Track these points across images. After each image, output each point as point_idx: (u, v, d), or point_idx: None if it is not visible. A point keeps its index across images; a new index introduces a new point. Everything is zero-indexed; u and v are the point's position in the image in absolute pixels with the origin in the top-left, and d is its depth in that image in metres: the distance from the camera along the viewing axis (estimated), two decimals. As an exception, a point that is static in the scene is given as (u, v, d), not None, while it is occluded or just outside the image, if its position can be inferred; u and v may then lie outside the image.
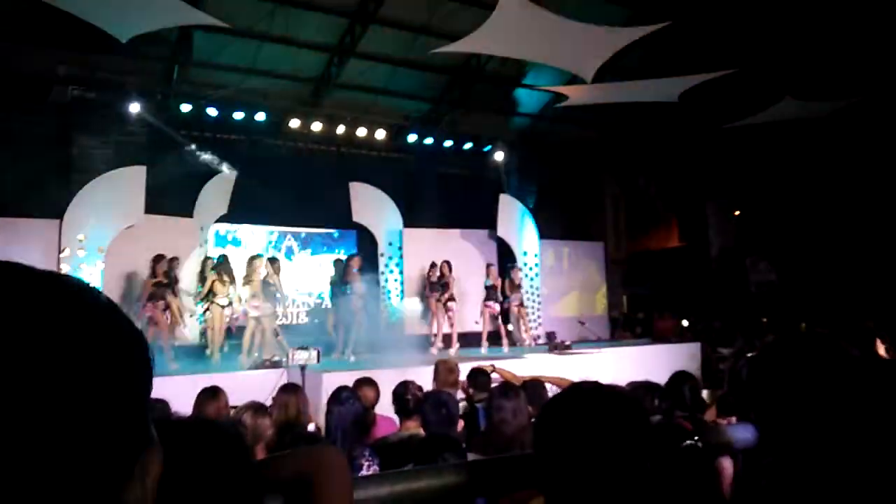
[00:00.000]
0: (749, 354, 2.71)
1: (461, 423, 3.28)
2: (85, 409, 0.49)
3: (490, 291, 11.72)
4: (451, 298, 11.39)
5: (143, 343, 0.57)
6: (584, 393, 1.13)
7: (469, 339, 11.89)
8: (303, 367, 6.62)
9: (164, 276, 9.64)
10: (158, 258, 9.71)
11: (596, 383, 1.14)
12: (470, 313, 12.07)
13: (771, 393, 1.18)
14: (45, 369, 0.48)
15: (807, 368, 1.15)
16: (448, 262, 11.64)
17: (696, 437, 1.39)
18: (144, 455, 0.55)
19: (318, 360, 6.71)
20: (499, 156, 15.15)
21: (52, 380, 0.48)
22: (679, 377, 4.11)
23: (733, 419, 2.29)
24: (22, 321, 0.49)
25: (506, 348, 11.64)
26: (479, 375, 5.18)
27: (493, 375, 5.33)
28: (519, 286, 12.23)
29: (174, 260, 10.04)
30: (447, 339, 11.28)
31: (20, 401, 0.47)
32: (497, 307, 11.75)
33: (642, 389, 3.08)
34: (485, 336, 11.44)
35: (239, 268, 10.38)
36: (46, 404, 0.48)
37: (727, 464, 2.57)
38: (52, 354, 0.49)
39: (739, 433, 1.50)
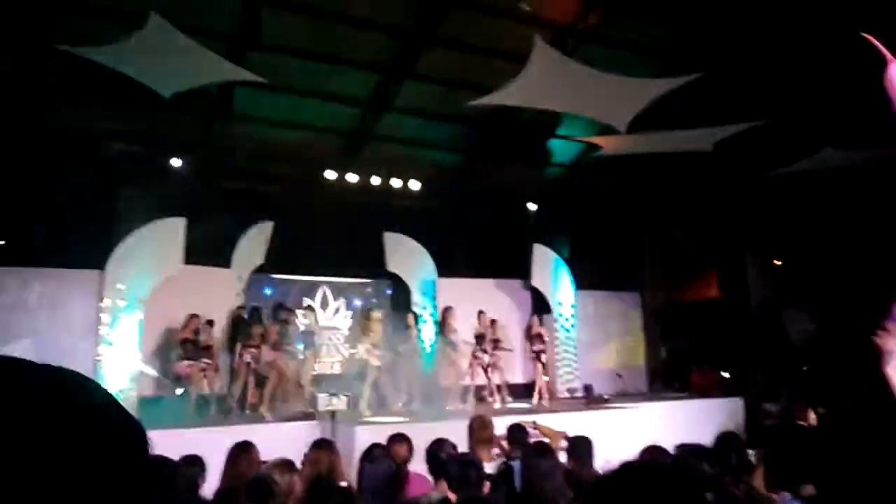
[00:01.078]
0: (801, 423, 2.58)
1: (487, 485, 3.17)
2: None
3: (478, 341, 11.61)
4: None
5: (137, 438, 0.55)
6: (638, 472, 1.06)
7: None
8: (332, 415, 6.51)
9: (191, 334, 9.79)
10: (191, 317, 9.91)
11: (649, 462, 1.07)
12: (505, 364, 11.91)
13: (839, 467, 1.10)
14: (30, 470, 0.47)
15: (879, 444, 1.07)
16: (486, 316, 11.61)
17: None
18: None
19: (348, 407, 6.61)
20: (532, 206, 15.16)
21: (38, 482, 0.47)
22: (725, 439, 3.95)
23: (787, 495, 2.16)
24: (10, 423, 0.48)
25: (535, 400, 11.46)
26: (516, 431, 5.05)
27: (534, 431, 5.20)
28: (539, 336, 12.01)
29: (209, 322, 10.21)
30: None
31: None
32: (485, 358, 11.58)
33: (692, 456, 2.95)
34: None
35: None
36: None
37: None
38: (38, 456, 0.48)
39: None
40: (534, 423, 5.44)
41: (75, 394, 0.55)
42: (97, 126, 11.25)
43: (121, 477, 0.52)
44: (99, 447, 0.52)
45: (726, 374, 14.21)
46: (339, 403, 5.21)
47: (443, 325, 11.15)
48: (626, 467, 1.15)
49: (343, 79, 12.15)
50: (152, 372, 10.44)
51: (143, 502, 0.54)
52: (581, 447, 4.24)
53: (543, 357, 11.86)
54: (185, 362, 9.61)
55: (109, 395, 0.56)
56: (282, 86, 11.47)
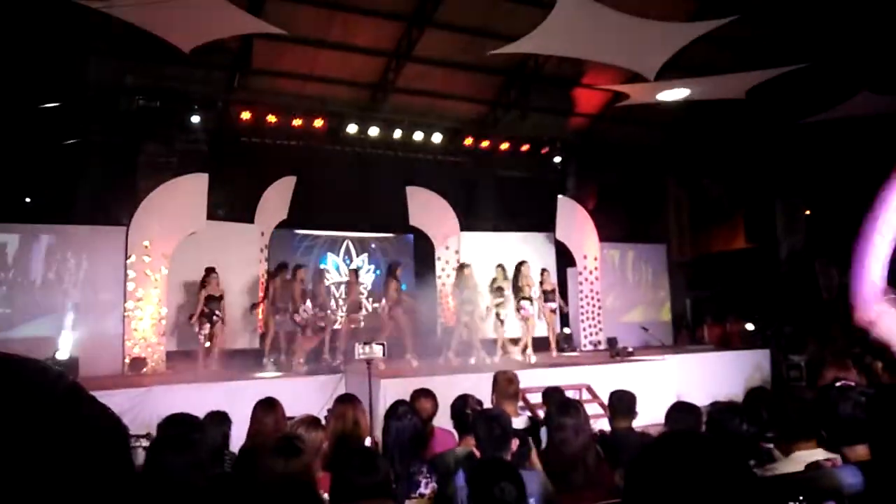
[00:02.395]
0: (839, 384, 2.48)
1: (515, 442, 3.13)
2: None
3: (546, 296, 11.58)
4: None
5: (106, 432, 0.49)
6: (681, 444, 0.99)
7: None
8: (369, 362, 6.50)
9: (216, 289, 9.93)
10: (210, 271, 9.96)
11: (691, 432, 1.00)
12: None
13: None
14: None
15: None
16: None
17: (800, 498, 1.22)
18: None
19: (384, 355, 6.56)
20: (557, 158, 14.92)
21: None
22: (755, 394, 3.88)
23: (837, 459, 2.08)
24: None
25: (554, 353, 11.45)
26: (553, 394, 5.01)
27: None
28: (553, 292, 11.86)
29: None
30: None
31: None
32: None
33: (726, 413, 2.88)
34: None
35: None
36: None
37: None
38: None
39: (849, 478, 1.34)
40: (588, 386, 5.36)
41: (41, 381, 0.48)
42: (117, 81, 11.19)
43: (85, 469, 0.47)
44: (63, 439, 0.46)
45: (750, 326, 14.03)
46: (377, 351, 5.15)
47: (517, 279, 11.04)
48: (666, 439, 1.08)
49: (363, 29, 11.91)
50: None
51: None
52: (621, 402, 4.17)
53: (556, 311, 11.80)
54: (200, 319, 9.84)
55: (71, 387, 0.50)
56: (301, 38, 11.28)
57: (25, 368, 0.51)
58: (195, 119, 11.61)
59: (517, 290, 11.02)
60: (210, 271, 10.02)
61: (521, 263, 11.25)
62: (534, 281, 11.29)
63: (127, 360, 10.02)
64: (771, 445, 2.97)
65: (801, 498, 1.21)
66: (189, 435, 2.86)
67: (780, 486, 1.39)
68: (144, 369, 9.92)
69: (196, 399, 5.93)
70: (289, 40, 10.82)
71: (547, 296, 11.61)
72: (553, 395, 4.94)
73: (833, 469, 1.67)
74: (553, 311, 11.73)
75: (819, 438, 2.57)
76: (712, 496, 0.91)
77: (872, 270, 2.11)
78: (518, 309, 10.98)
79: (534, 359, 10.58)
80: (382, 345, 5.76)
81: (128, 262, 10.32)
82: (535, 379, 7.92)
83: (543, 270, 11.99)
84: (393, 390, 6.80)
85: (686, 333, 15.55)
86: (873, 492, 1.14)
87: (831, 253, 15.45)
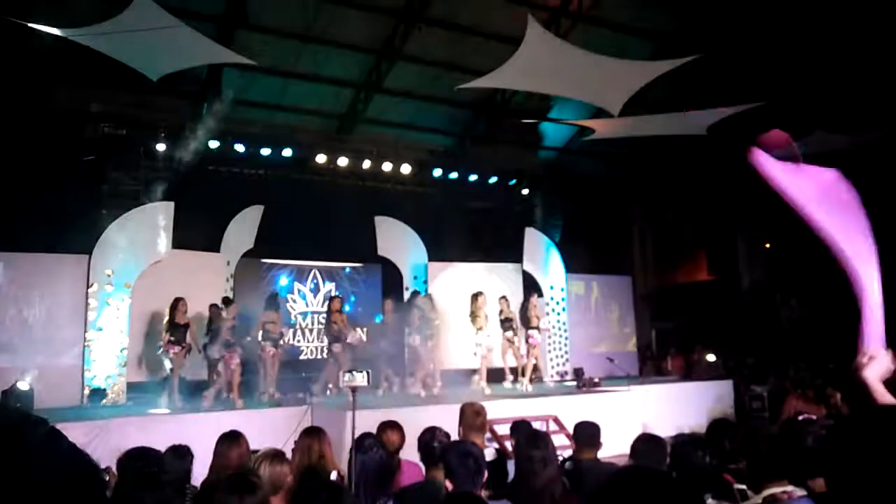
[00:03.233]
0: (801, 417, 2.55)
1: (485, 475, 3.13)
2: None
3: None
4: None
5: (84, 476, 0.51)
6: (637, 480, 1.02)
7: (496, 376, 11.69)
8: (354, 390, 6.37)
9: (181, 317, 9.71)
10: (178, 301, 9.76)
11: (651, 469, 1.03)
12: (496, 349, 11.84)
13: (851, 469, 1.07)
14: None
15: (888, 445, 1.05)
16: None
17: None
18: None
19: (370, 383, 6.41)
20: (524, 190, 15.11)
21: None
22: (718, 425, 3.94)
23: (794, 492, 2.14)
24: None
25: (526, 382, 11.42)
26: (521, 426, 5.01)
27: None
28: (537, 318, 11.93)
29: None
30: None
31: None
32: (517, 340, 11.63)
33: (689, 445, 2.93)
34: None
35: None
36: None
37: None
38: None
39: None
40: (555, 417, 5.38)
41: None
42: (83, 108, 11.08)
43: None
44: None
45: (712, 357, 14.25)
46: (361, 379, 5.07)
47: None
48: (626, 473, 1.12)
49: (333, 60, 12.01)
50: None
51: None
52: (585, 432, 4.21)
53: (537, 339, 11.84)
54: (173, 346, 9.52)
55: (50, 433, 0.51)
56: (271, 68, 11.32)
57: (6, 415, 0.52)
58: (161, 147, 11.52)
59: (526, 320, 11.50)
60: (178, 301, 9.82)
61: (530, 295, 12.02)
62: (542, 313, 11.78)
63: (86, 392, 9.77)
64: (744, 487, 3.01)
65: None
66: (155, 470, 2.80)
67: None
68: (104, 400, 9.68)
69: (156, 432, 5.81)
70: (258, 70, 10.84)
71: (506, 324, 11.63)
72: (521, 427, 4.95)
73: (788, 501, 1.71)
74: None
75: (789, 476, 2.62)
76: None
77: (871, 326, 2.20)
78: (527, 339, 11.47)
79: (520, 387, 10.87)
80: (368, 372, 5.64)
81: (90, 290, 10.12)
82: (502, 410, 7.92)
83: (502, 298, 11.97)
84: (359, 422, 6.73)
85: (651, 364, 15.71)
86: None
87: (791, 285, 15.83)
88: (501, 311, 11.49)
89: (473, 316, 10.99)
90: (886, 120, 11.33)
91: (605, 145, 13.05)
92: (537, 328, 11.54)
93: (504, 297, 11.76)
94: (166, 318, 9.70)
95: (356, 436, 4.13)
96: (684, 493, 1.00)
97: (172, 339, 9.52)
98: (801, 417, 2.55)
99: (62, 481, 0.49)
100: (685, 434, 3.13)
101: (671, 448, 3.08)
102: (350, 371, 5.34)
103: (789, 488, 2.42)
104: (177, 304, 9.70)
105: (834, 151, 11.70)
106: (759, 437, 2.74)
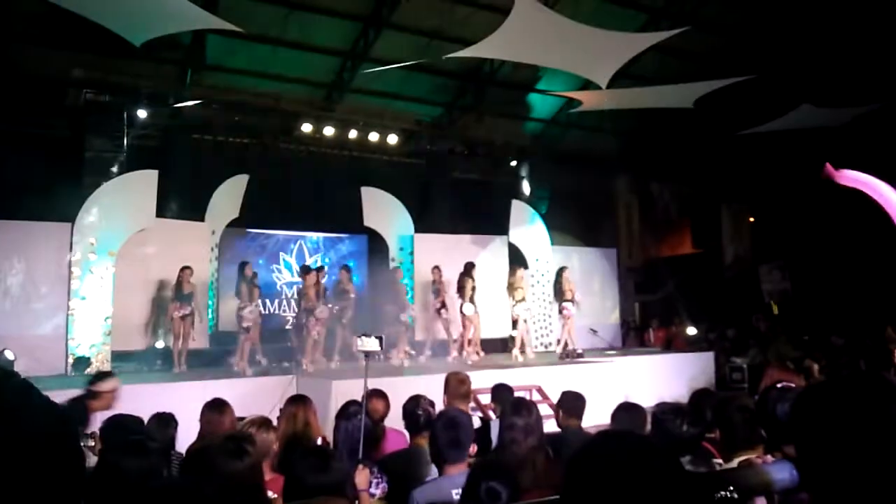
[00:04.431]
0: (779, 385, 2.60)
1: (474, 447, 3.16)
2: None
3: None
4: (443, 306, 11.28)
5: (56, 423, 0.52)
6: (614, 442, 1.05)
7: (486, 346, 11.80)
8: (367, 355, 6.33)
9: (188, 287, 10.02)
10: (184, 269, 10.04)
11: (628, 432, 1.06)
12: (484, 319, 11.90)
13: (818, 434, 1.09)
14: None
15: (857, 410, 1.07)
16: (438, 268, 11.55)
17: (730, 488, 1.29)
18: None
19: (382, 347, 6.35)
20: (511, 161, 15.07)
21: None
22: (700, 395, 4.01)
23: (768, 457, 2.19)
24: None
25: (517, 353, 11.51)
26: (502, 391, 5.07)
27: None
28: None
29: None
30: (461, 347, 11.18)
31: None
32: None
33: (671, 414, 2.99)
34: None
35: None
36: None
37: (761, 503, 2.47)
38: None
39: (778, 473, 1.41)
40: (538, 387, 5.43)
41: None
42: (65, 73, 10.88)
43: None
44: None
45: (693, 330, 14.45)
46: (373, 344, 5.04)
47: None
48: (603, 437, 1.14)
49: (320, 28, 11.84)
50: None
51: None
52: (570, 401, 4.30)
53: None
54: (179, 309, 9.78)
55: (21, 384, 0.52)
56: (257, 35, 11.15)
57: None
58: (144, 114, 11.35)
59: (561, 293, 11.87)
60: (185, 269, 10.04)
61: (562, 269, 12.32)
62: (574, 285, 12.05)
63: (70, 360, 9.75)
64: (720, 460, 3.07)
65: (731, 488, 1.29)
66: (142, 437, 2.82)
67: (709, 481, 1.46)
68: (88, 369, 9.67)
69: (141, 399, 5.81)
70: (244, 37, 10.68)
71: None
72: (503, 394, 5.00)
73: (763, 465, 1.76)
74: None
75: (764, 444, 2.68)
76: (642, 490, 0.97)
77: None
78: (560, 310, 11.88)
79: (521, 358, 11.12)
80: (380, 338, 5.57)
81: (72, 259, 10.04)
82: (486, 380, 7.99)
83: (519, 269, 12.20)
84: (344, 391, 6.79)
85: (634, 336, 15.88)
86: (805, 486, 1.22)
87: (775, 259, 16.00)
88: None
89: (512, 288, 11.48)
90: (875, 94, 11.37)
91: (592, 117, 13.05)
92: (572, 301, 11.78)
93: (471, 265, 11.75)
94: (173, 285, 10.05)
95: (339, 404, 4.16)
96: (661, 455, 1.02)
97: (179, 306, 9.84)
98: (779, 385, 2.60)
99: (36, 432, 0.50)
100: (667, 403, 3.18)
101: (651, 416, 3.13)
102: (364, 335, 5.30)
103: (764, 456, 2.48)
104: (183, 271, 9.98)
105: (821, 126, 11.80)
106: (733, 406, 2.79)
